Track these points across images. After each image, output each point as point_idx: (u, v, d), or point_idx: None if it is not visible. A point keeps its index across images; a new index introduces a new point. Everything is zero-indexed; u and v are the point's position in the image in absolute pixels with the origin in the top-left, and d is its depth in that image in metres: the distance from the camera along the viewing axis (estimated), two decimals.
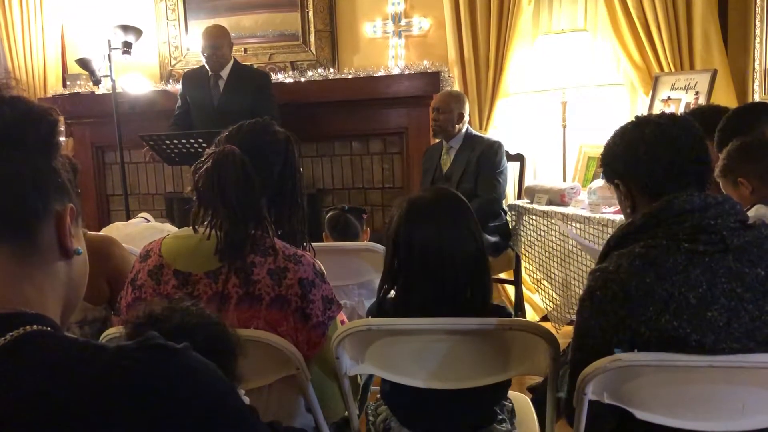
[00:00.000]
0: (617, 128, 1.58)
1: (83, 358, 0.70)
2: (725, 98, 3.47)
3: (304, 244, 1.72)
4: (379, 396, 1.78)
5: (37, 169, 0.80)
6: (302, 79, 4.30)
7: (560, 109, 3.88)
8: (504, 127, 4.17)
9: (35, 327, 0.72)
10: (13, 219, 0.78)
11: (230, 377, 1.11)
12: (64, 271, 0.83)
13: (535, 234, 3.51)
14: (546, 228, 3.41)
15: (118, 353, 0.71)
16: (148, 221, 2.74)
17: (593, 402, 1.37)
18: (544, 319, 3.87)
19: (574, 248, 3.15)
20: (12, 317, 0.73)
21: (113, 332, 1.50)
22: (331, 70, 4.36)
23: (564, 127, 3.88)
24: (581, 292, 1.45)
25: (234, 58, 4.00)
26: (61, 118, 0.86)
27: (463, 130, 3.72)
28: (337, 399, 1.67)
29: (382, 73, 4.21)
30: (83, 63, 4.08)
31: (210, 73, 3.90)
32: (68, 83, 4.81)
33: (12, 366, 0.69)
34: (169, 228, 2.59)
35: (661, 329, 1.30)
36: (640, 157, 1.48)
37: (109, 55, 4.04)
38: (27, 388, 0.67)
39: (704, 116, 2.43)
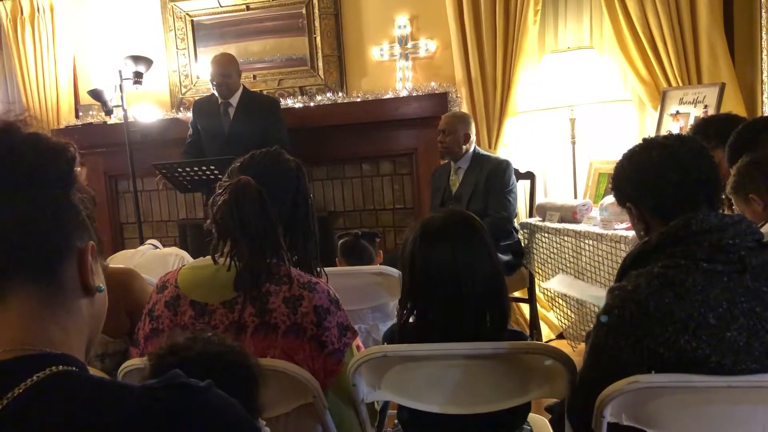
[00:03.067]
0: (625, 151, 1.58)
1: (109, 399, 0.71)
2: (734, 111, 3.46)
3: (318, 269, 1.74)
4: (396, 421, 1.78)
5: (58, 208, 0.80)
6: (311, 104, 4.34)
7: (569, 127, 3.89)
8: (513, 145, 4.18)
9: (61, 367, 0.73)
10: (36, 259, 0.78)
11: (253, 406, 1.12)
12: (86, 308, 0.83)
13: (548, 252, 3.50)
14: (559, 245, 3.40)
15: (143, 394, 0.71)
16: (156, 247, 2.76)
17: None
18: (560, 336, 3.85)
19: (588, 265, 3.15)
20: (37, 358, 0.73)
21: (135, 363, 1.51)
22: (340, 94, 4.39)
23: (573, 144, 3.89)
24: (596, 308, 1.45)
25: (243, 85, 4.04)
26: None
27: (471, 150, 3.73)
28: (354, 426, 1.66)
29: (390, 95, 4.25)
30: (95, 94, 4.14)
31: (220, 100, 3.94)
32: (81, 114, 4.87)
33: (39, 407, 0.69)
34: (176, 252, 2.61)
35: (680, 350, 1.29)
36: (649, 180, 1.48)
37: (120, 86, 4.10)
38: (55, 428, 0.68)
39: (718, 125, 2.43)
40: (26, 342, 0.75)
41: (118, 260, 2.40)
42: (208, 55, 4.39)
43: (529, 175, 3.98)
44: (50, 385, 0.71)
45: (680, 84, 3.69)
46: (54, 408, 0.69)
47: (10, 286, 0.77)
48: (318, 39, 4.46)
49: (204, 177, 3.60)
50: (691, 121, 3.38)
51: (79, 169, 0.86)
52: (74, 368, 0.74)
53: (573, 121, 3.88)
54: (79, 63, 4.96)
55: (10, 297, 0.77)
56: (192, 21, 4.66)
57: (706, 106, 3.39)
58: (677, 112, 3.54)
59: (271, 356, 1.48)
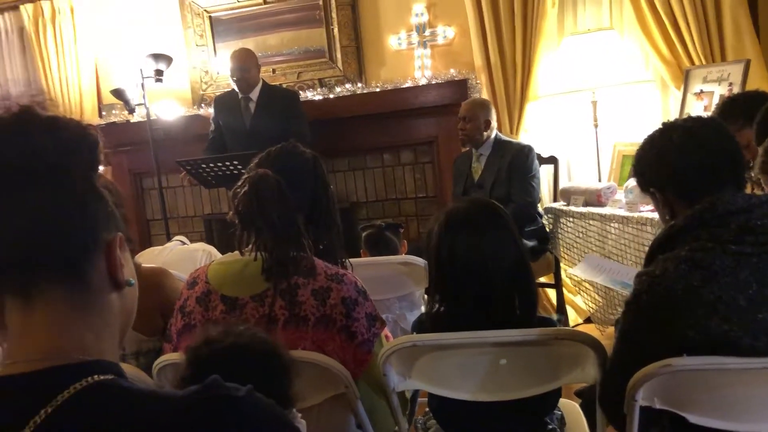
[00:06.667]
0: (645, 137, 1.57)
1: (147, 410, 0.69)
2: (761, 88, 3.39)
3: (342, 260, 1.76)
4: (427, 409, 1.79)
5: (83, 199, 0.74)
6: (331, 96, 4.35)
7: (591, 109, 3.85)
8: (535, 130, 4.16)
9: (96, 377, 0.70)
10: (63, 257, 0.73)
11: (286, 396, 1.14)
12: (116, 303, 0.79)
13: (574, 236, 3.49)
14: (584, 229, 3.38)
15: (182, 404, 0.70)
16: (184, 243, 2.79)
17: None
18: (587, 321, 3.84)
19: (614, 248, 3.12)
20: (72, 368, 0.70)
21: (169, 358, 1.53)
22: (359, 84, 4.40)
23: (596, 127, 3.85)
24: (624, 292, 1.45)
25: (263, 80, 4.06)
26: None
27: (492, 137, 3.71)
28: (386, 415, 1.68)
29: (409, 84, 4.24)
30: (118, 93, 4.19)
31: (240, 95, 3.97)
32: (104, 113, 4.93)
33: (77, 420, 0.67)
34: (204, 247, 2.64)
35: (711, 333, 1.29)
36: (671, 163, 1.47)
37: (142, 84, 4.14)
38: None
39: (745, 103, 2.37)
40: (57, 349, 0.72)
41: (146, 257, 2.43)
42: (226, 50, 4.41)
43: (552, 160, 3.96)
44: (87, 397, 0.68)
45: (703, 62, 3.64)
46: (92, 422, 0.67)
47: (36, 287, 0.72)
48: (335, 30, 4.46)
49: (227, 172, 3.63)
50: (716, 100, 3.33)
51: (102, 168, 0.79)
52: (110, 376, 0.71)
53: (595, 104, 3.84)
54: (101, 63, 5.01)
55: (36, 299, 0.72)
56: (210, 17, 4.68)
57: (731, 84, 3.34)
58: (701, 91, 3.49)
59: (302, 348, 1.50)
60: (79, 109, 4.93)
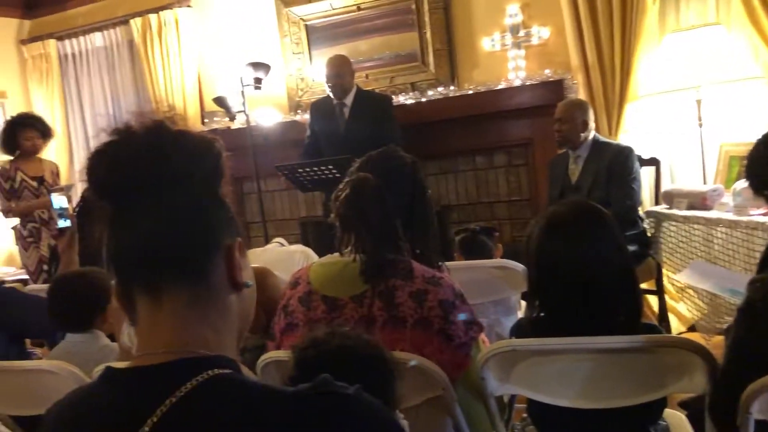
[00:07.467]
0: (759, 137, 1.49)
1: (264, 404, 0.73)
2: None
3: (439, 264, 1.76)
4: (524, 415, 1.77)
5: (208, 206, 0.81)
6: (423, 99, 4.37)
7: (695, 108, 3.69)
8: (635, 131, 4.02)
9: (217, 371, 0.74)
10: (188, 259, 0.79)
11: (391, 398, 1.16)
12: (235, 304, 0.84)
13: (677, 240, 3.35)
14: (687, 233, 3.24)
15: (295, 400, 0.73)
16: (283, 245, 2.88)
17: None
18: (691, 329, 3.67)
19: (721, 254, 2.98)
20: (196, 361, 0.75)
21: (273, 356, 1.59)
22: (451, 87, 4.39)
23: (701, 126, 3.68)
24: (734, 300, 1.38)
25: (357, 85, 4.13)
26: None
27: (590, 138, 3.62)
28: (483, 419, 1.67)
29: (502, 85, 4.20)
30: (220, 101, 4.38)
31: (335, 101, 4.05)
32: (206, 120, 5.15)
33: (199, 410, 0.71)
34: (302, 249, 2.72)
35: None
36: None
37: (242, 92, 4.30)
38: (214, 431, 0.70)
39: None
40: (181, 343, 0.77)
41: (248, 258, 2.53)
42: (321, 57, 4.51)
43: (654, 162, 3.82)
44: (209, 389, 0.72)
45: None
46: (213, 411, 0.71)
47: (164, 286, 0.78)
48: (428, 34, 4.47)
49: (323, 176, 3.72)
50: None
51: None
52: (229, 370, 0.75)
53: (699, 103, 3.67)
54: (203, 72, 5.25)
55: (164, 297, 0.78)
56: (306, 25, 4.81)
57: None
58: None
59: (400, 350, 1.52)
60: (183, 116, 5.17)
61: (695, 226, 3.17)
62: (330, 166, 3.65)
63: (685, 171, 4.01)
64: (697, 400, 1.51)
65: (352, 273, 1.59)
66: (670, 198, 3.44)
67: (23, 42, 5.87)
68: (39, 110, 5.43)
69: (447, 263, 1.85)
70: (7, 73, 5.83)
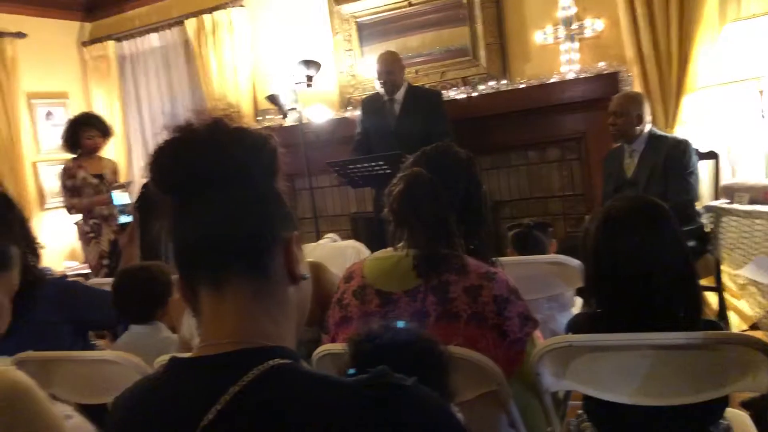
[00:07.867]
0: None
1: (324, 393, 0.74)
2: None
3: (492, 259, 1.76)
4: (580, 411, 1.75)
5: (266, 200, 0.83)
6: (474, 94, 4.34)
7: (758, 99, 3.57)
8: (693, 123, 3.91)
9: (278, 361, 0.76)
10: (248, 252, 0.81)
11: (445, 392, 1.16)
12: (293, 296, 0.86)
13: (737, 235, 3.25)
14: (749, 229, 3.14)
15: (355, 389, 0.74)
16: (335, 240, 2.91)
17: None
18: (753, 327, 3.56)
19: None
20: (257, 352, 0.77)
21: (328, 348, 1.61)
22: (503, 81, 4.35)
23: (763, 118, 3.56)
24: None
25: (407, 81, 4.13)
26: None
27: (646, 131, 3.54)
28: (538, 415, 1.66)
29: (555, 79, 4.14)
30: (272, 98, 4.44)
31: (386, 97, 4.06)
32: (259, 118, 5.23)
33: (260, 399, 0.73)
34: (354, 244, 2.74)
35: None
36: None
37: (294, 89, 4.35)
38: (276, 420, 0.72)
39: None
40: (243, 334, 0.79)
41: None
42: (371, 53, 4.53)
43: (712, 155, 3.71)
44: (271, 378, 0.74)
45: None
46: (275, 400, 0.73)
47: (227, 278, 0.80)
48: (479, 28, 4.44)
49: (373, 172, 3.73)
50: None
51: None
52: (290, 360, 0.77)
53: (762, 93, 3.55)
54: (256, 70, 5.33)
55: (226, 289, 0.80)
56: (357, 22, 4.83)
57: None
58: None
59: (454, 344, 1.52)
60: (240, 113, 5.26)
61: (757, 221, 3.07)
62: (380, 162, 3.66)
63: (746, 164, 3.88)
64: (763, 400, 1.46)
65: (405, 268, 1.60)
66: (731, 192, 3.35)
67: (84, 44, 6.09)
68: (99, 110, 5.61)
69: (500, 258, 1.84)
70: (69, 74, 6.04)
